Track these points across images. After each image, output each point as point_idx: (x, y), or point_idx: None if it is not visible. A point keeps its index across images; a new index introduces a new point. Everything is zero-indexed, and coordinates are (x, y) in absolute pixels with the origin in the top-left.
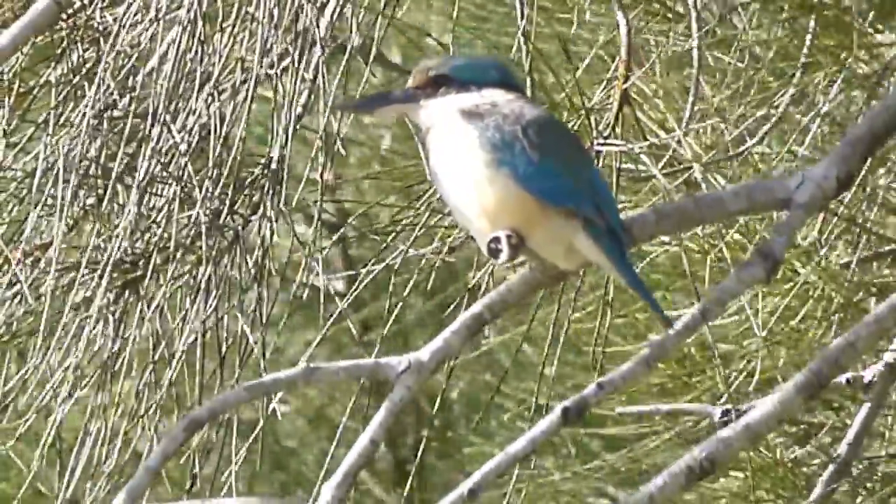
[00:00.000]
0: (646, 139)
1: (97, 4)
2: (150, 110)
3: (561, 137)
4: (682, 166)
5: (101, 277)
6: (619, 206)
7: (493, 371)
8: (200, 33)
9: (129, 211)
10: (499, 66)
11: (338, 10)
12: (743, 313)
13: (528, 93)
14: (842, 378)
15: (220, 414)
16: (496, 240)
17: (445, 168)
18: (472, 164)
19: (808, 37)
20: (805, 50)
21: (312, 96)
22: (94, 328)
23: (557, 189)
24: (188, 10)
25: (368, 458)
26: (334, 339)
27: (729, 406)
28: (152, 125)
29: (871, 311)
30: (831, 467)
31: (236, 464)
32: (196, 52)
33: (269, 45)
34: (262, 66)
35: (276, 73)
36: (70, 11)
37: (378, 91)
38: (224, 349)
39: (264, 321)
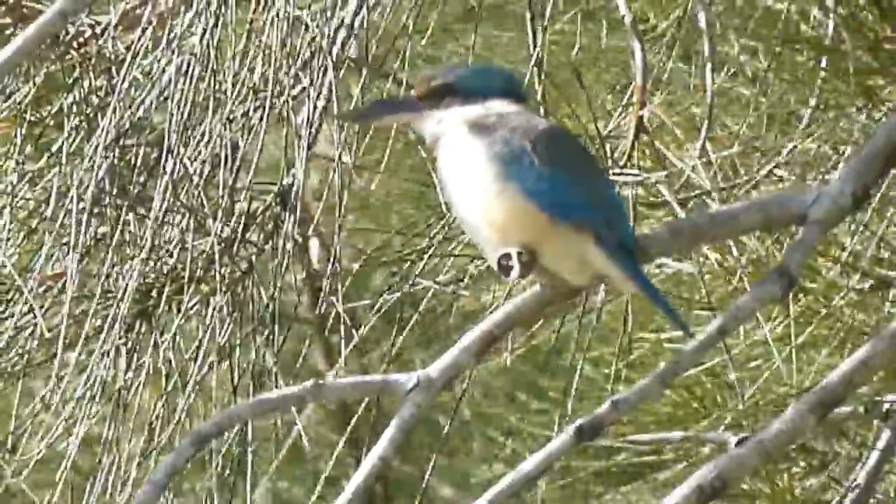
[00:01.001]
0: (663, 167)
1: (109, 33)
2: (163, 139)
3: (571, 150)
4: (697, 192)
5: (115, 308)
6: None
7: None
8: (212, 62)
9: (144, 241)
10: (503, 76)
11: (351, 38)
12: (756, 333)
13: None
14: (860, 406)
15: (227, 429)
16: (506, 256)
17: (454, 182)
18: (480, 178)
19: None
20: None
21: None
22: (106, 358)
23: (568, 203)
24: (200, 39)
25: (378, 477)
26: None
27: (746, 434)
28: (165, 155)
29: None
30: (850, 496)
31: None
32: (208, 80)
33: (281, 73)
34: (273, 94)
35: (288, 100)
36: (82, 40)
37: (381, 100)
38: (237, 378)
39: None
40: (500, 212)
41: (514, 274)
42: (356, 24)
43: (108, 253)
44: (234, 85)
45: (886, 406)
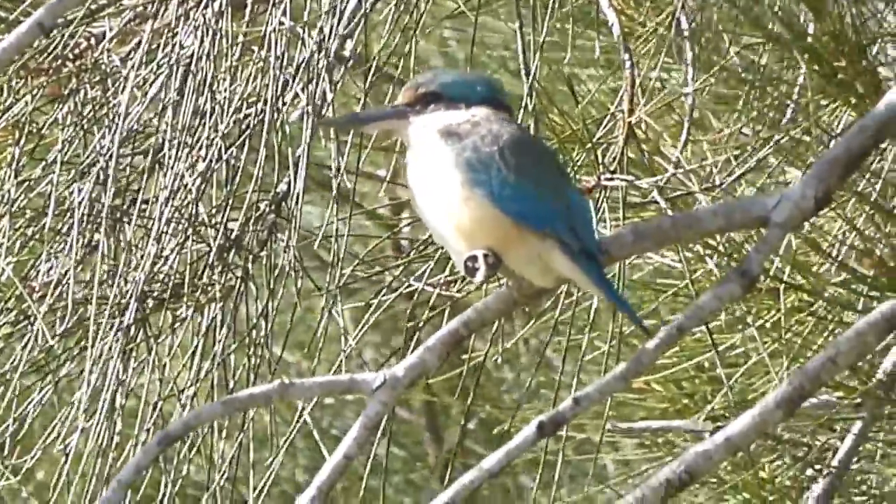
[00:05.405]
0: (652, 173)
1: (105, 46)
2: (159, 148)
3: (539, 158)
4: (683, 192)
5: (112, 316)
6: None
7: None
8: (207, 74)
9: (142, 250)
10: (487, 83)
11: (346, 44)
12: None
13: (532, 122)
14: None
15: (194, 429)
16: (473, 258)
17: (422, 187)
18: (448, 183)
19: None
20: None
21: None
22: (102, 365)
23: (533, 211)
24: (197, 50)
25: (342, 474)
26: None
27: (720, 424)
28: (159, 165)
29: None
30: (822, 482)
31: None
32: (204, 91)
33: (278, 84)
34: (270, 102)
35: (282, 108)
36: (78, 51)
37: (368, 107)
38: (232, 386)
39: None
40: (466, 218)
41: (480, 276)
42: (351, 30)
43: (103, 261)
44: (228, 96)
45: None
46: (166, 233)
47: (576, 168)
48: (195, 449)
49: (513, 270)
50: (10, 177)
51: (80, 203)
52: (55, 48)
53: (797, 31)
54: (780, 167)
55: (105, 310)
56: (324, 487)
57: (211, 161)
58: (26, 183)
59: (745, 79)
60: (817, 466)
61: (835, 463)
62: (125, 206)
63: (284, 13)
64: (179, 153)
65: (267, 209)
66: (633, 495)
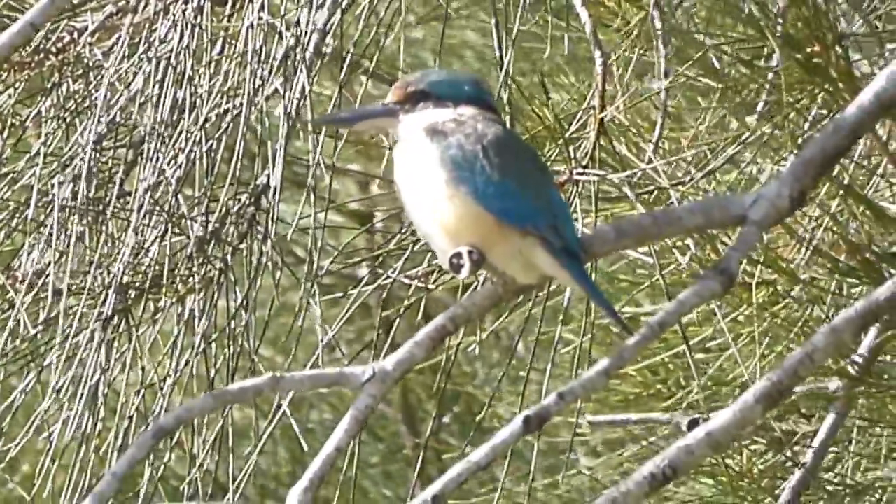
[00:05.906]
0: (624, 169)
1: (87, 40)
2: (141, 141)
3: (521, 157)
4: (654, 186)
5: (94, 307)
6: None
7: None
8: (188, 67)
9: (123, 241)
10: (475, 83)
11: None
12: (711, 323)
13: (507, 117)
14: (805, 388)
15: (186, 422)
16: (458, 255)
17: (408, 184)
18: (432, 181)
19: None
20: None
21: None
22: (83, 355)
23: (515, 208)
24: (177, 44)
25: (332, 466)
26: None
27: (697, 415)
28: (144, 158)
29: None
30: (797, 474)
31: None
32: (183, 86)
33: (256, 79)
34: (249, 97)
35: (262, 102)
36: (60, 46)
37: (358, 106)
38: (213, 376)
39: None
40: (451, 215)
41: (465, 272)
42: (329, 26)
43: (85, 252)
44: (209, 90)
45: (831, 388)
46: (147, 224)
47: (548, 162)
48: (174, 439)
49: (496, 267)
50: None
51: (61, 195)
52: (38, 42)
53: (772, 16)
54: (752, 162)
55: (86, 300)
56: (315, 479)
57: (191, 153)
58: (9, 175)
59: (720, 71)
60: (789, 453)
61: (811, 450)
62: (107, 198)
63: (262, 8)
64: (159, 146)
65: (247, 202)
66: (618, 489)
